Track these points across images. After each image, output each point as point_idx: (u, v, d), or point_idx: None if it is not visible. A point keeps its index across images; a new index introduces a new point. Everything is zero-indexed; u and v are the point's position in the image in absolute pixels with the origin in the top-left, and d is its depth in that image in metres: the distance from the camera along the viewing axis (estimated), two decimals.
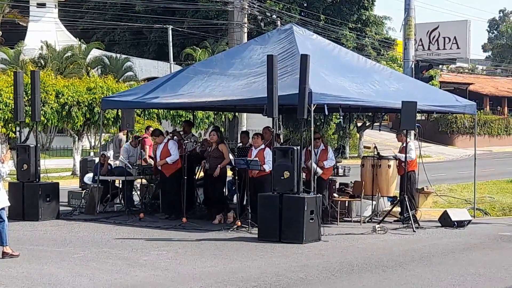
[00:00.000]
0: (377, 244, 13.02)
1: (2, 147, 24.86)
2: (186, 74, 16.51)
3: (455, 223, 15.03)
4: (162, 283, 9.62)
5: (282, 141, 17.42)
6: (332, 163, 15.34)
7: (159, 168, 15.66)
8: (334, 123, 39.56)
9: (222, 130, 20.67)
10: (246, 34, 31.61)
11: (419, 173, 16.18)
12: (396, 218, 15.59)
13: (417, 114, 14.93)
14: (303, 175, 14.02)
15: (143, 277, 10.01)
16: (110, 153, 18.20)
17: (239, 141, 20.58)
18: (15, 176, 16.56)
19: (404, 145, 15.67)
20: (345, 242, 13.14)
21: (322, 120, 37.03)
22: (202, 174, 16.09)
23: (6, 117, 23.92)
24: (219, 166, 14.83)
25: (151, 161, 16.81)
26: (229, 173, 16.19)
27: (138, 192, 17.67)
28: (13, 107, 18.16)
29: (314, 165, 14.26)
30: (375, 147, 15.93)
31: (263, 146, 14.61)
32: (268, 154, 14.23)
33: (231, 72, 15.77)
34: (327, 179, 15.28)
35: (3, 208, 11.26)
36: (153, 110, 27.53)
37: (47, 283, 9.56)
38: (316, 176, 14.49)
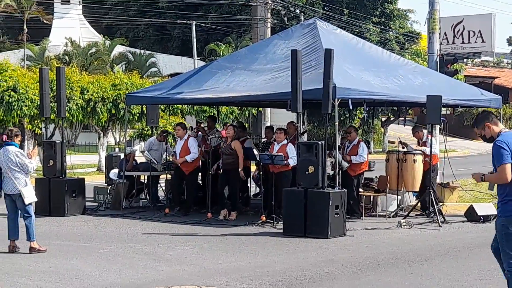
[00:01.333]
0: (402, 239, 12.97)
1: (29, 143, 25.09)
2: (210, 69, 16.53)
3: (481, 217, 14.93)
4: (187, 278, 9.66)
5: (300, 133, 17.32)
6: (361, 160, 14.97)
7: (179, 165, 15.64)
8: (358, 117, 39.46)
9: (246, 125, 20.63)
10: (269, 29, 31.50)
11: (444, 168, 16.08)
12: (418, 212, 15.51)
13: (442, 108, 14.84)
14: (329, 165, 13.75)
15: (169, 271, 10.06)
16: (137, 148, 18.24)
17: (263, 136, 20.53)
18: (41, 172, 16.69)
19: (423, 140, 15.60)
20: (371, 237, 13.11)
21: (347, 115, 37.03)
22: None
23: (32, 114, 24.13)
24: (240, 170, 14.80)
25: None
26: (253, 168, 16.18)
27: (163, 188, 17.74)
28: (39, 103, 18.30)
29: (339, 157, 14.19)
30: (400, 141, 15.85)
31: (285, 142, 14.53)
32: (291, 150, 14.18)
33: (255, 67, 15.76)
34: (355, 175, 15.04)
35: (30, 204, 11.38)
36: (177, 105, 27.62)
37: (74, 277, 9.65)
38: (341, 170, 14.39)
